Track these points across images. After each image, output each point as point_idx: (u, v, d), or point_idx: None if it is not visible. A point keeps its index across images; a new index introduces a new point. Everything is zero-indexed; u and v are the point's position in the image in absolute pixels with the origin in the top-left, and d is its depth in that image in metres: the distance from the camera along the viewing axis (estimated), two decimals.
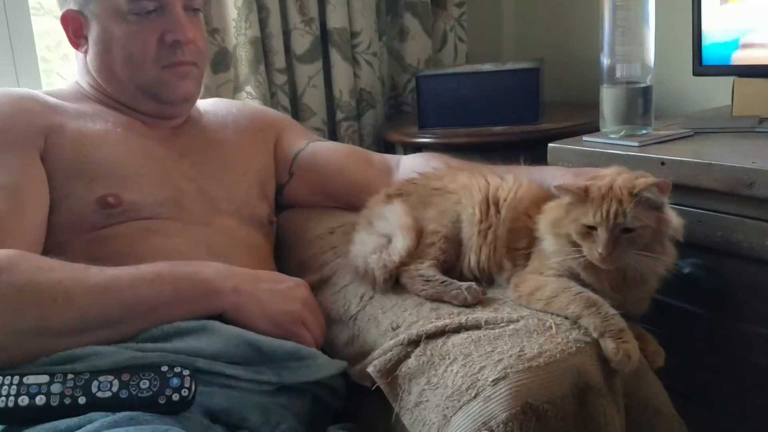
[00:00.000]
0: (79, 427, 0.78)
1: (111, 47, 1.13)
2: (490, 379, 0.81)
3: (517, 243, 1.00)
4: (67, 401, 0.81)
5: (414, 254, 1.02)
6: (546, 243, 0.95)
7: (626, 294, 0.94)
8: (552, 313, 0.90)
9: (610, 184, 0.91)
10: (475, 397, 0.80)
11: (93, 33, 1.14)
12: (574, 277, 0.94)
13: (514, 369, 0.81)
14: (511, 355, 0.83)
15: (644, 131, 1.25)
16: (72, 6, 1.14)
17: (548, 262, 0.95)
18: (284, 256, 1.26)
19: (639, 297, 0.96)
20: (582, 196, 0.91)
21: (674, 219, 0.93)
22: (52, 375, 0.82)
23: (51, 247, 1.01)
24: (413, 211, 1.07)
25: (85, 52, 1.16)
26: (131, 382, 0.82)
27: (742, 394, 1.10)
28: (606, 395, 0.84)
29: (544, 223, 0.96)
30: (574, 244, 0.92)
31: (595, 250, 0.89)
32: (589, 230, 0.90)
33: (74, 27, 1.15)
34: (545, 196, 1.02)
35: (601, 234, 0.89)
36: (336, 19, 1.72)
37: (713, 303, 1.12)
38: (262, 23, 1.65)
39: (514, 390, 0.79)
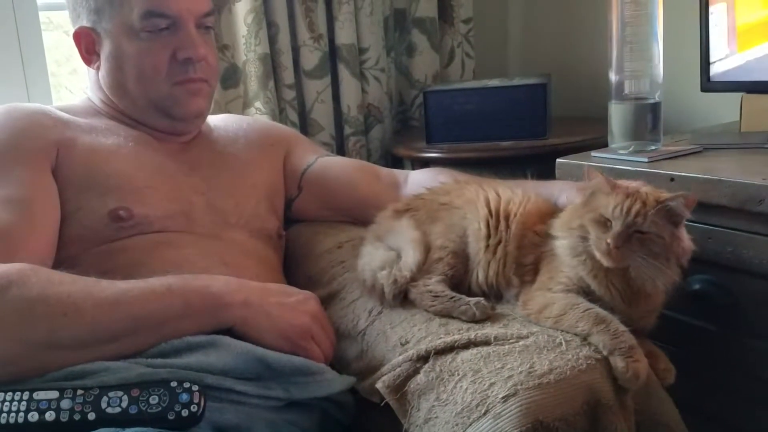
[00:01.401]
0: None
1: (123, 64, 1.14)
2: (500, 396, 0.80)
3: (524, 258, 1.00)
4: (77, 417, 0.81)
5: (422, 269, 1.02)
6: (557, 242, 0.95)
7: (633, 307, 0.93)
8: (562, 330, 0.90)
9: (637, 188, 0.92)
10: (485, 414, 0.80)
11: (105, 50, 1.15)
12: (583, 290, 0.93)
13: (525, 386, 0.81)
14: (521, 372, 0.82)
15: (653, 147, 1.25)
16: (85, 23, 1.15)
17: (556, 275, 0.95)
18: (293, 270, 1.26)
19: (645, 311, 0.95)
20: (609, 186, 0.92)
21: (686, 241, 0.93)
22: (61, 390, 0.82)
23: (62, 261, 1.01)
24: (421, 226, 1.07)
25: (97, 69, 1.17)
26: (141, 398, 0.82)
27: (753, 410, 1.09)
28: (617, 412, 0.84)
29: (558, 222, 0.96)
30: (585, 240, 0.91)
31: (603, 241, 0.89)
32: (605, 222, 0.90)
33: (87, 44, 1.16)
34: (552, 212, 1.02)
35: (615, 226, 0.88)
36: (344, 36, 1.73)
37: (723, 319, 1.11)
38: (272, 40, 1.66)
39: (524, 407, 0.79)
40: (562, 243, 0.95)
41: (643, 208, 0.89)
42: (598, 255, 0.90)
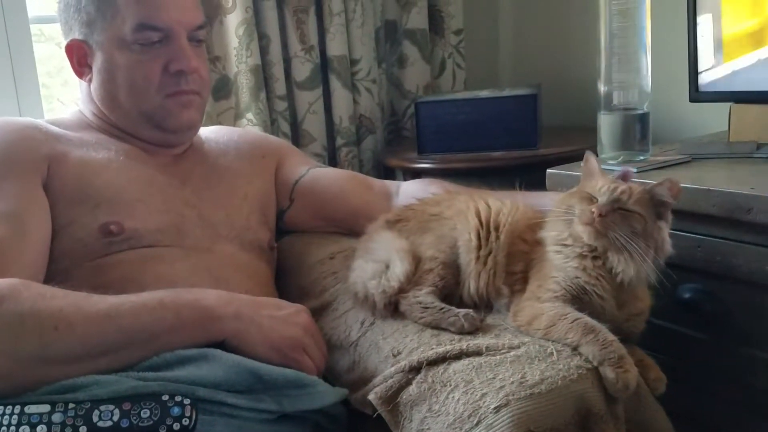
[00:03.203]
0: None
1: (115, 76, 1.14)
2: (492, 407, 0.80)
3: (513, 267, 1.00)
4: (68, 431, 0.81)
5: (412, 280, 1.02)
6: (545, 234, 0.98)
7: (621, 310, 0.94)
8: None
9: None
10: (477, 424, 0.80)
11: (97, 62, 1.15)
12: (572, 294, 0.93)
13: (516, 396, 0.81)
14: (512, 382, 0.83)
15: (642, 157, 1.26)
16: (76, 35, 1.15)
17: (545, 282, 0.95)
18: (285, 281, 1.26)
19: (632, 314, 0.96)
20: (599, 171, 0.98)
21: (667, 239, 0.94)
22: (53, 404, 0.82)
23: (53, 275, 1.01)
24: (411, 237, 1.07)
25: (89, 81, 1.18)
26: (132, 411, 0.82)
27: (745, 420, 1.09)
28: (608, 422, 0.84)
29: (549, 216, 0.99)
30: (571, 224, 0.94)
31: (587, 211, 0.91)
32: (591, 198, 0.94)
33: (79, 56, 1.16)
34: (542, 221, 1.02)
35: (600, 200, 0.92)
36: (336, 47, 1.74)
37: (713, 328, 1.12)
38: (263, 51, 1.67)
39: (516, 417, 0.79)
40: (549, 235, 0.97)
41: (629, 190, 0.93)
42: (579, 228, 0.92)
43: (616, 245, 0.91)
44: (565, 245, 0.95)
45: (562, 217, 0.96)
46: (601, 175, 0.98)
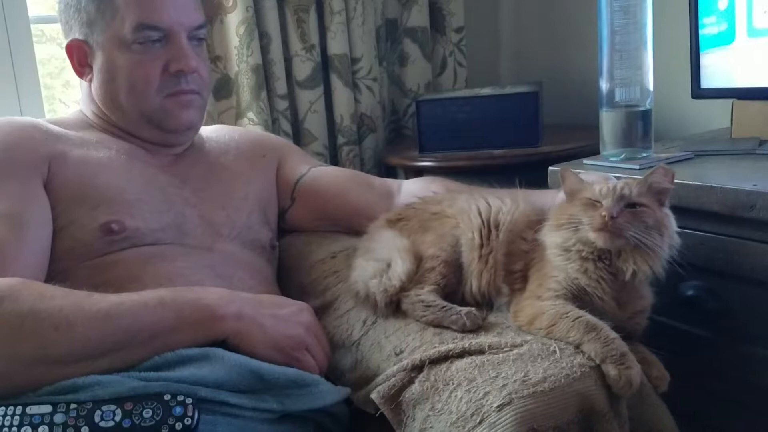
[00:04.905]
0: None
1: (115, 76, 1.14)
2: (495, 405, 0.80)
3: (513, 265, 1.00)
4: (70, 431, 0.81)
5: (414, 278, 1.02)
6: (547, 239, 0.96)
7: (622, 308, 0.94)
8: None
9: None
10: (480, 423, 0.80)
11: (97, 62, 1.15)
12: (573, 293, 0.93)
13: (519, 394, 0.81)
14: (515, 380, 0.82)
15: (644, 154, 1.25)
16: (77, 35, 1.15)
17: (545, 281, 0.95)
18: (286, 280, 1.26)
19: (635, 312, 0.96)
20: (583, 181, 0.97)
21: (674, 225, 0.94)
22: (54, 405, 0.82)
23: (54, 275, 1.01)
24: (412, 236, 1.07)
25: (90, 81, 1.17)
26: (134, 412, 0.82)
27: (747, 417, 1.09)
28: (611, 420, 0.84)
29: (547, 225, 0.98)
30: (577, 230, 0.93)
31: (597, 216, 0.90)
32: (594, 204, 0.92)
33: (79, 56, 1.16)
34: (541, 219, 1.02)
35: (606, 203, 0.91)
36: (336, 46, 1.74)
37: (716, 326, 1.11)
38: (264, 50, 1.67)
39: (519, 416, 0.79)
40: (552, 241, 0.96)
41: (628, 185, 0.92)
42: (593, 236, 0.91)
43: (632, 244, 0.90)
44: (569, 249, 0.94)
45: (565, 227, 0.94)
46: (589, 183, 0.97)
